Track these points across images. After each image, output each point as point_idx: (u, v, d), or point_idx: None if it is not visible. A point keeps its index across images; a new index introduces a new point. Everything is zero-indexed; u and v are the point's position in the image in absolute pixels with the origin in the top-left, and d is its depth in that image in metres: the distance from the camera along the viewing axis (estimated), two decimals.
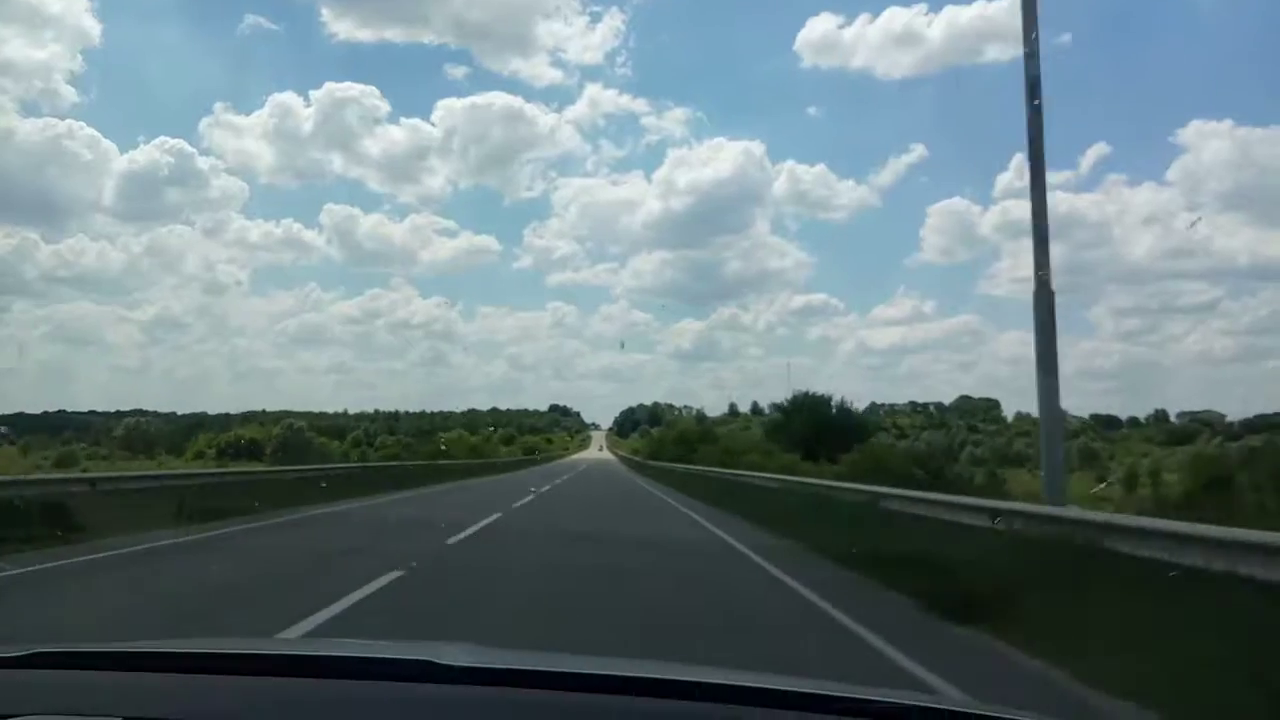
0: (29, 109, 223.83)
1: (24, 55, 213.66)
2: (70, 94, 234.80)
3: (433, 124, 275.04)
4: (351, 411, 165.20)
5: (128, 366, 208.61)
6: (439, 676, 1.39)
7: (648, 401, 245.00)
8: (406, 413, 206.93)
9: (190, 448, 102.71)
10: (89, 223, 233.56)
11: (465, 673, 1.40)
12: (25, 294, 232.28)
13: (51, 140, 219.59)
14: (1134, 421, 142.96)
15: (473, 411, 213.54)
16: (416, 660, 1.44)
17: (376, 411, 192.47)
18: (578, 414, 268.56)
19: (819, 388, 63.17)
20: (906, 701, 1.46)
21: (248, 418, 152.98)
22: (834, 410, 63.33)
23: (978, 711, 1.43)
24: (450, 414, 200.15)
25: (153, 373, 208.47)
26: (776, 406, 65.30)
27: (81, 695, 1.39)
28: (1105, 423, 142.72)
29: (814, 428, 59.38)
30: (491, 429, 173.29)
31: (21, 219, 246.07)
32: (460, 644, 1.59)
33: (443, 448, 61.88)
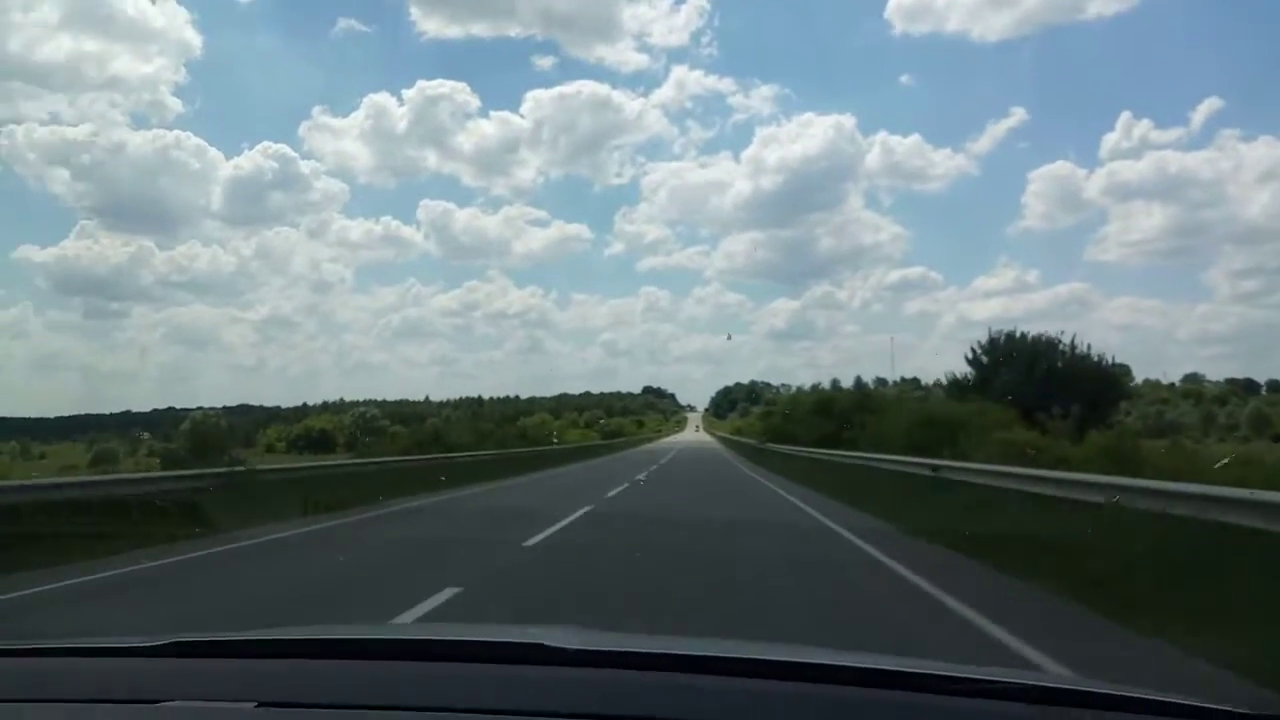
0: (138, 121, 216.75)
1: (131, 70, 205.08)
2: (176, 105, 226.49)
3: (522, 116, 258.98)
4: (435, 399, 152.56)
5: (241, 364, 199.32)
6: (550, 659, 1.37)
7: (744, 381, 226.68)
8: (492, 398, 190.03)
9: (260, 441, 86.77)
10: (200, 229, 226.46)
11: (575, 655, 1.38)
12: (143, 299, 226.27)
13: (161, 151, 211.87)
14: (1274, 385, 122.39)
15: (562, 396, 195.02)
16: (529, 643, 1.43)
17: (461, 398, 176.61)
18: (672, 395, 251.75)
19: (917, 364, 38.38)
20: (1026, 681, 1.36)
21: (326, 408, 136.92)
22: (1062, 359, 37.93)
23: (1094, 690, 1.33)
24: (536, 399, 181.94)
25: (266, 370, 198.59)
26: (968, 356, 39.85)
27: (217, 681, 1.38)
28: (1244, 386, 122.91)
29: (1034, 386, 34.32)
30: (578, 413, 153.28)
31: (137, 228, 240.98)
32: (568, 627, 1.57)
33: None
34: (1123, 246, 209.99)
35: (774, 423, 43.42)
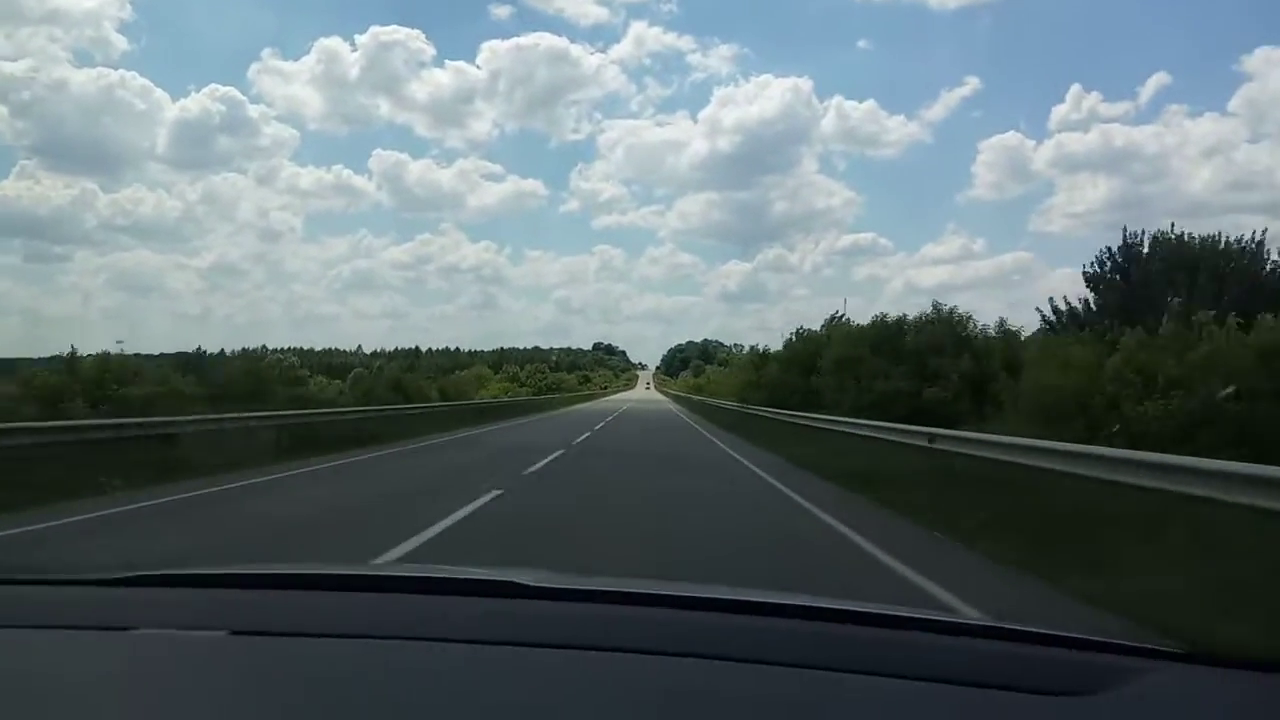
0: (81, 58, 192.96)
1: (74, 4, 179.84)
2: (121, 42, 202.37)
3: (478, 66, 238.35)
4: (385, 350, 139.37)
5: (186, 312, 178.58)
6: (523, 594, 1.34)
7: (696, 340, 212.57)
8: (429, 349, 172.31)
9: None
10: (145, 172, 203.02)
11: (548, 591, 1.35)
12: (86, 243, 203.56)
13: (105, 90, 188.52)
14: None
15: (505, 349, 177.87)
16: (502, 580, 1.39)
17: (395, 349, 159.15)
18: (623, 353, 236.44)
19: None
20: (973, 621, 1.42)
21: (245, 355, 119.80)
22: (1264, 268, 22.07)
23: (1009, 626, 1.28)
24: (477, 352, 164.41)
25: (213, 318, 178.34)
26: (1090, 271, 23.44)
27: (188, 611, 1.32)
28: None
29: (1227, 310, 18.22)
30: (520, 367, 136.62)
31: (80, 169, 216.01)
32: (542, 570, 1.50)
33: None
34: (1067, 218, 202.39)
35: (769, 375, 26.46)
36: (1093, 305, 23.20)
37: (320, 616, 1.27)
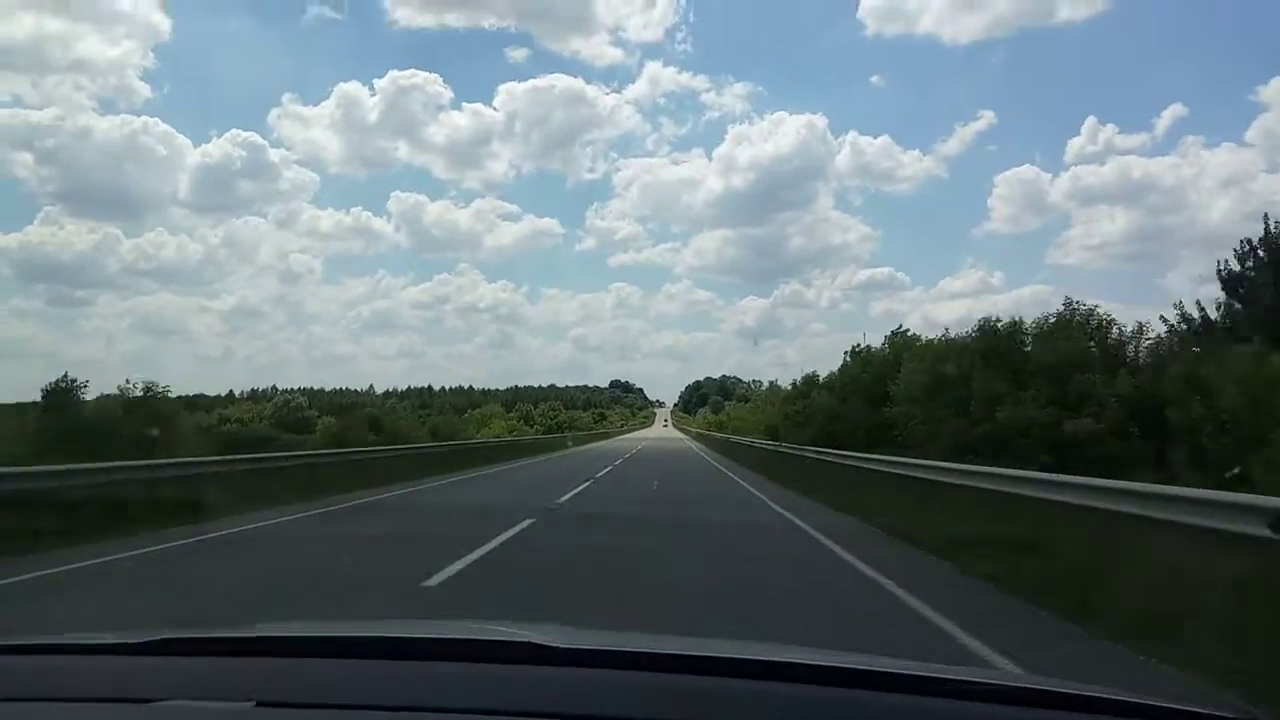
0: (105, 106, 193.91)
1: (98, 53, 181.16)
2: (144, 90, 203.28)
3: (495, 108, 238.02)
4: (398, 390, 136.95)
5: (208, 354, 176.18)
6: (545, 659, 1.30)
7: (714, 377, 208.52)
8: (443, 388, 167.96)
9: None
10: (167, 216, 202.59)
11: (567, 654, 1.31)
12: (109, 287, 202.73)
13: (128, 136, 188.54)
14: None
15: (519, 388, 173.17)
16: (523, 642, 1.35)
17: (408, 388, 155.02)
18: (640, 390, 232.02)
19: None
20: (1009, 683, 1.31)
21: (254, 395, 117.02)
22: None
23: (1053, 689, 1.24)
24: (491, 391, 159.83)
25: (234, 360, 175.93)
26: (1227, 271, 18.43)
27: (212, 680, 1.29)
28: None
29: None
30: (534, 405, 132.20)
31: (103, 214, 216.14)
32: (559, 625, 1.51)
33: None
34: (1084, 250, 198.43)
35: (819, 406, 21.03)
36: (1235, 310, 18.20)
37: (345, 686, 1.24)
